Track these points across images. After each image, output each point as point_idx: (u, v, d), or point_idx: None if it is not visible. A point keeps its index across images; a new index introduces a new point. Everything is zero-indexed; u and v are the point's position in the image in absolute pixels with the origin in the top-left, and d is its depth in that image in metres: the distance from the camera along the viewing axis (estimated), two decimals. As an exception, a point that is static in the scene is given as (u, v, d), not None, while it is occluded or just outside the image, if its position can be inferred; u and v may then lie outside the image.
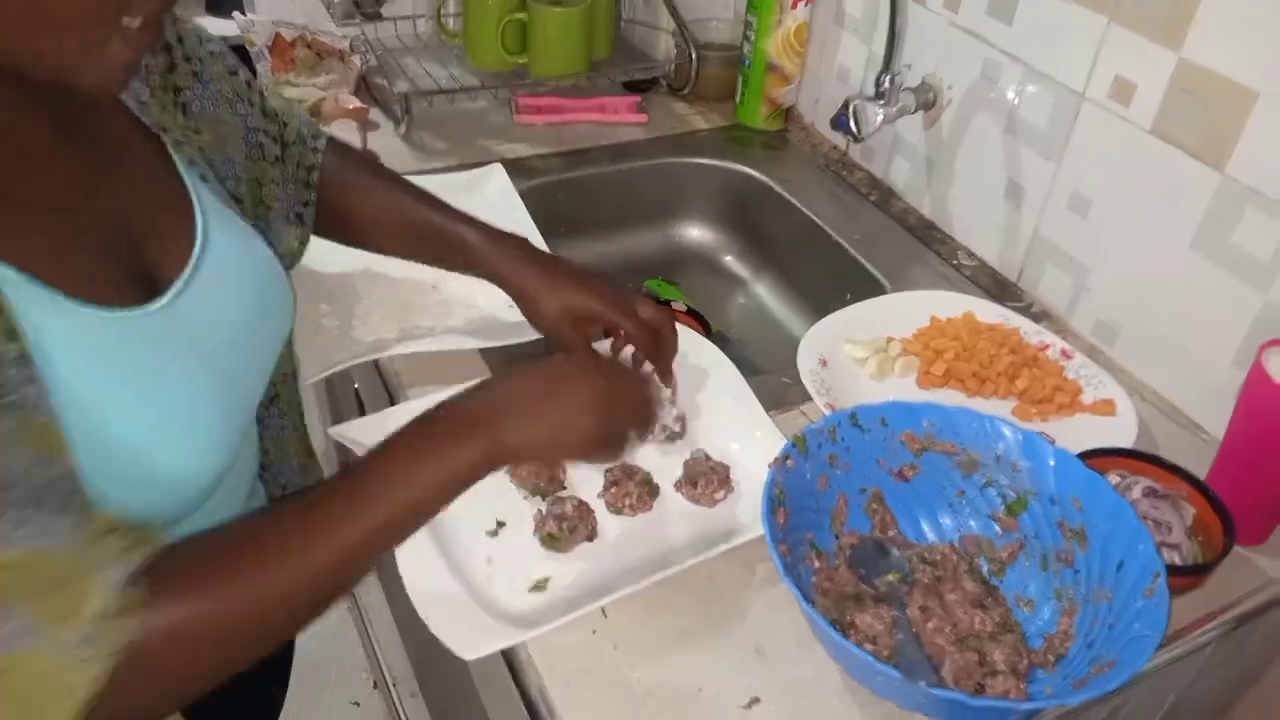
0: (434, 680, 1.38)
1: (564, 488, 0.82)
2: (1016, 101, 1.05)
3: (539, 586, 0.74)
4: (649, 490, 0.81)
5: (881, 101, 1.11)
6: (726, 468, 0.83)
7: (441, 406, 0.63)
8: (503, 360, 0.92)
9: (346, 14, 1.29)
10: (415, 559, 0.72)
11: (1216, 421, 0.91)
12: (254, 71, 1.34)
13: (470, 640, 0.67)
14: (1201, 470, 0.81)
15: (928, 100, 1.15)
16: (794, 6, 1.27)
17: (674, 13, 1.39)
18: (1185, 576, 0.74)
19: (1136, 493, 0.79)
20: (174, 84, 0.70)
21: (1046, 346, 0.98)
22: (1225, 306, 0.88)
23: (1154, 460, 0.81)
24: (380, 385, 0.96)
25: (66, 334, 0.54)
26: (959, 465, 0.76)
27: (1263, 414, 0.77)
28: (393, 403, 0.90)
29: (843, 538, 0.76)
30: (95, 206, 0.61)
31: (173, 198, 0.67)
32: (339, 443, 0.83)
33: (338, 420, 0.86)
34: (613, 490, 0.80)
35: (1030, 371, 0.95)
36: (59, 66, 0.51)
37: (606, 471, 0.82)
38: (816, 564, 0.75)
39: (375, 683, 1.66)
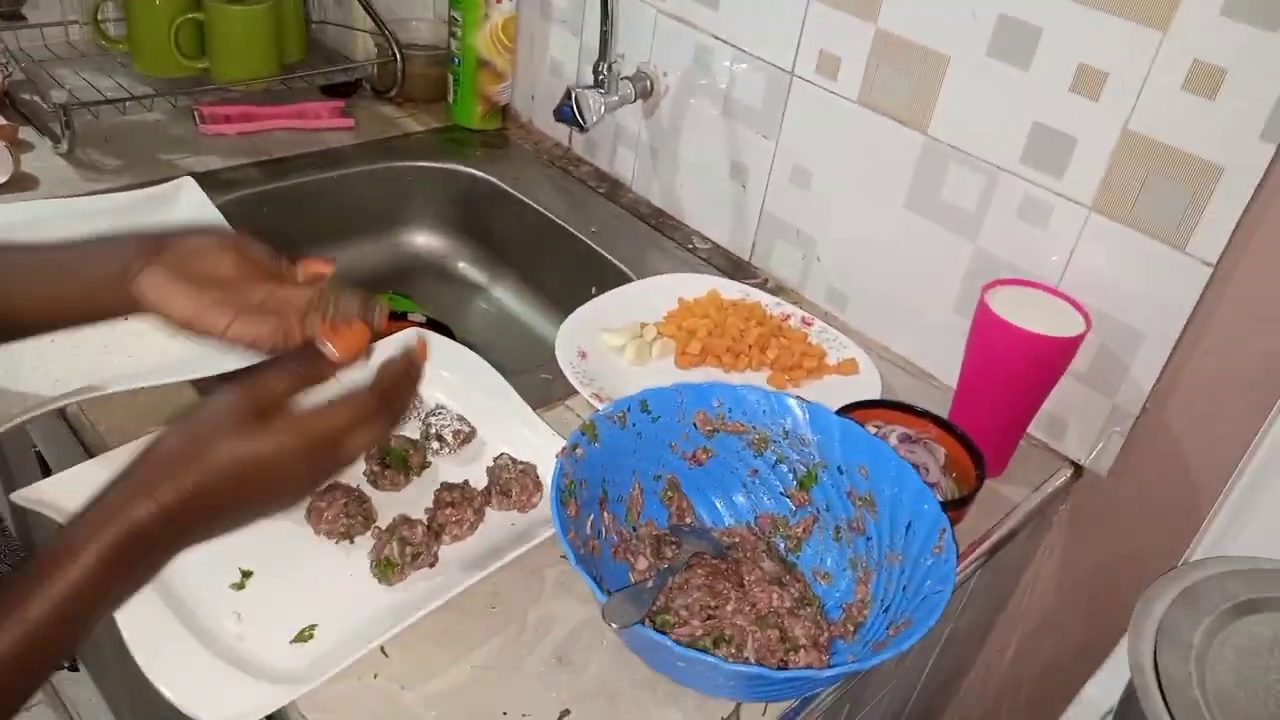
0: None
1: (375, 524, 0.72)
2: (730, 84, 1.07)
3: (303, 636, 0.64)
4: (480, 516, 0.74)
5: (602, 90, 1.10)
6: (535, 467, 0.77)
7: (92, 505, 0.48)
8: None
9: (-24, 15, 1.10)
10: (145, 630, 0.60)
11: (945, 369, 0.98)
12: None
13: (227, 710, 0.57)
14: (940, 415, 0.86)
15: (645, 88, 1.16)
16: (498, 0, 1.23)
17: (371, 12, 1.31)
18: (951, 510, 0.77)
19: (893, 440, 0.82)
20: None
21: (788, 316, 1.01)
22: (941, 259, 0.94)
23: (903, 408, 0.85)
24: (71, 439, 0.81)
25: None
26: (750, 444, 0.75)
27: (991, 348, 0.82)
28: (90, 456, 0.76)
29: (640, 529, 0.73)
30: None
31: None
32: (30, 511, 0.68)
33: (12, 488, 0.70)
34: (448, 512, 0.72)
35: (778, 341, 0.97)
36: None
37: (439, 491, 0.73)
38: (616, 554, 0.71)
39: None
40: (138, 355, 0.84)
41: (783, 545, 0.76)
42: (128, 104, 1.14)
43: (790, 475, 0.75)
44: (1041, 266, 0.87)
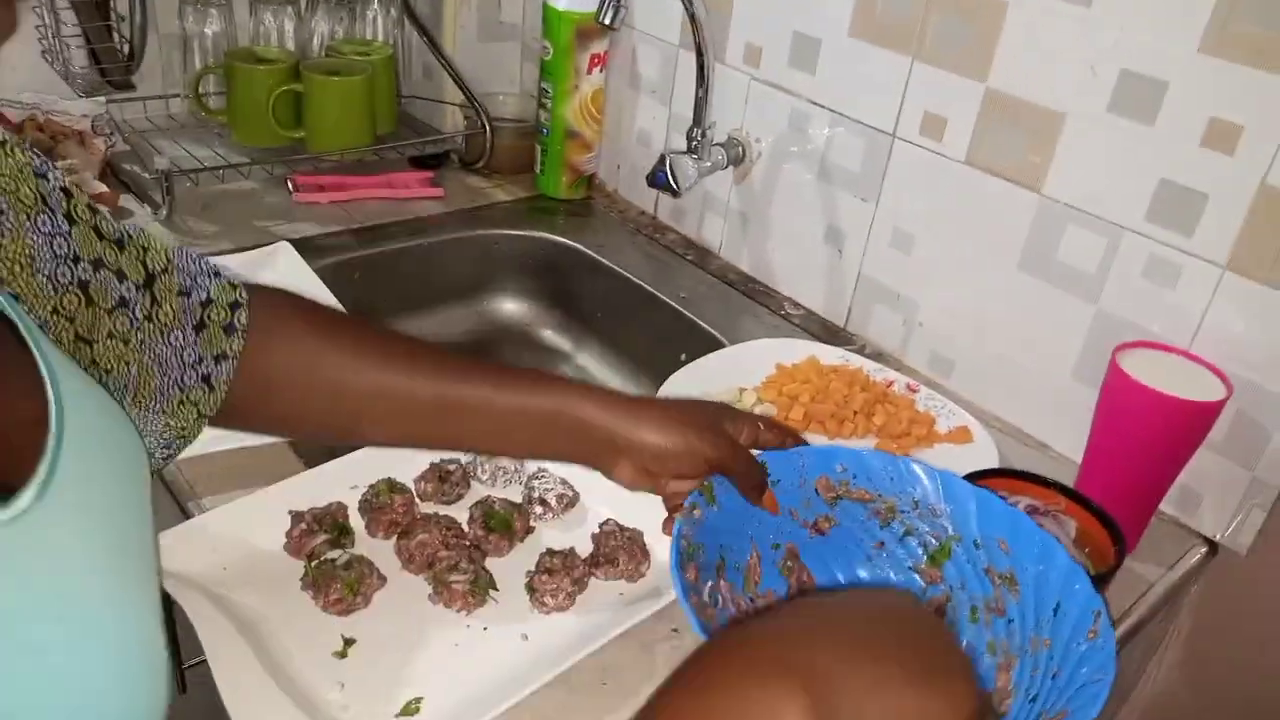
0: None
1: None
2: (827, 148, 1.06)
3: (410, 709, 0.60)
4: (581, 586, 0.70)
5: (695, 156, 1.09)
6: (641, 534, 0.74)
7: (742, 633, 0.41)
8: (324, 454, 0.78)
9: (91, 87, 1.13)
10: (247, 701, 0.57)
11: (1063, 439, 0.93)
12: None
13: (334, 789, 0.53)
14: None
15: (737, 155, 1.15)
16: (589, 71, 1.24)
17: (461, 85, 1.33)
18: (1091, 588, 0.72)
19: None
20: None
21: (891, 383, 0.97)
22: (1059, 322, 0.90)
23: (1028, 477, 0.80)
24: (167, 496, 0.79)
25: None
26: (876, 514, 0.70)
27: (1125, 413, 0.77)
28: (185, 516, 0.74)
29: (759, 600, 0.69)
30: None
31: None
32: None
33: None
34: (543, 579, 0.69)
35: (884, 407, 0.93)
36: None
37: (542, 556, 0.71)
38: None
39: None
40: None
41: None
42: (225, 172, 1.16)
43: (920, 549, 0.70)
44: (1171, 329, 0.83)
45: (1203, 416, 0.75)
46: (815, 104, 1.06)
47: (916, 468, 0.69)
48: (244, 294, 0.61)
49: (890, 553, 0.71)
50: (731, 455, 0.64)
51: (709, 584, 0.65)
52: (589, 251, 1.22)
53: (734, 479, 0.64)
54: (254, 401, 0.61)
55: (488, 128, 1.32)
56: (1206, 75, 0.76)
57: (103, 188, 1.13)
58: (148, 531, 0.50)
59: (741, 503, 0.68)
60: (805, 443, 0.70)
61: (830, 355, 1.00)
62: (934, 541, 0.69)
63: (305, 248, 1.09)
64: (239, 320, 0.60)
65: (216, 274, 0.60)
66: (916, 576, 0.70)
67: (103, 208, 0.56)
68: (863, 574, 0.72)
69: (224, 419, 0.61)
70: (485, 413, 0.62)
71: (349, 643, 0.64)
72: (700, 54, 1.05)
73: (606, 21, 0.94)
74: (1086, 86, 0.83)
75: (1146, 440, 0.77)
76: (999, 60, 0.88)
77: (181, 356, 0.58)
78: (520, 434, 0.63)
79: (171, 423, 0.59)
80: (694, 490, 0.65)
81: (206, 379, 0.59)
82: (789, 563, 0.71)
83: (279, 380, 0.61)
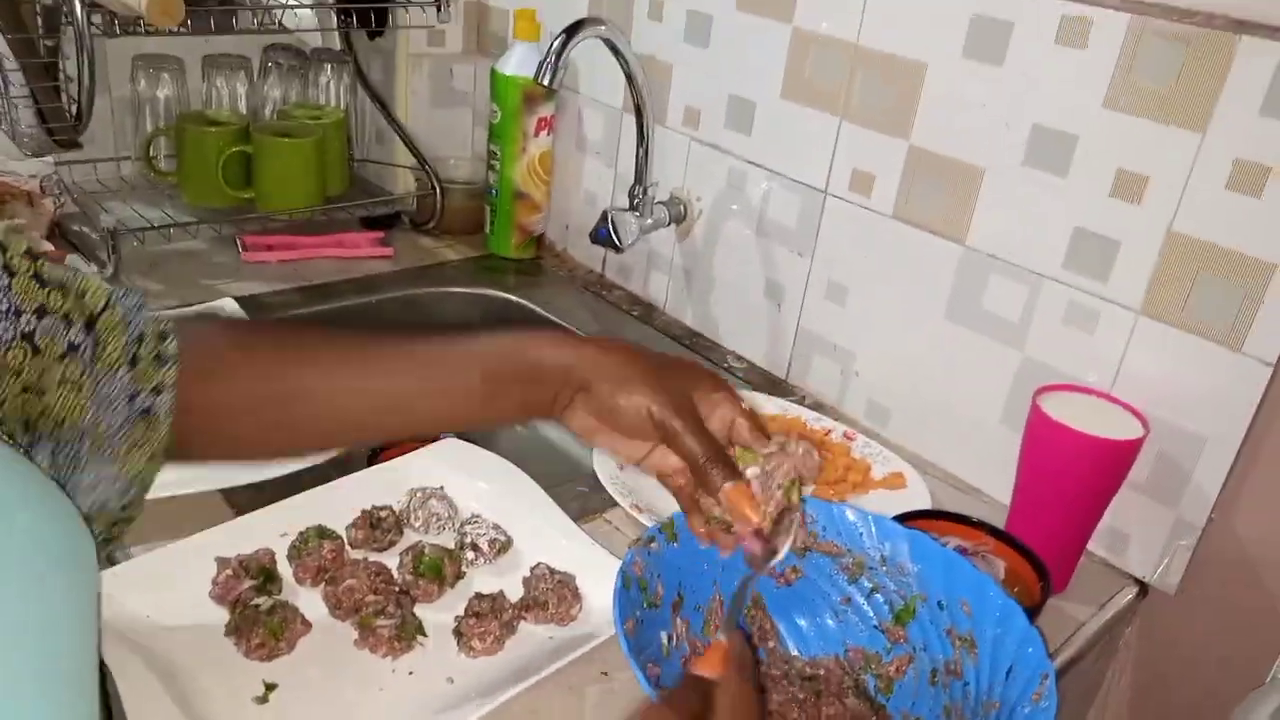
0: None
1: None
2: (764, 205, 1.09)
3: (329, 753, 0.60)
4: (510, 630, 0.70)
5: (637, 213, 1.12)
6: (573, 577, 0.74)
7: None
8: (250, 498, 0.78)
9: (38, 146, 1.14)
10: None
11: (994, 483, 0.94)
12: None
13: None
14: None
15: (679, 213, 1.18)
16: (536, 134, 1.28)
17: (413, 149, 1.35)
18: (1017, 625, 0.72)
19: (949, 553, 0.78)
20: None
21: (829, 431, 0.99)
22: (986, 369, 0.92)
23: (957, 518, 0.81)
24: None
25: None
26: (844, 569, 0.69)
27: (1047, 453, 0.79)
28: (110, 563, 0.73)
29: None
30: None
31: None
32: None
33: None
34: (471, 622, 0.68)
35: (821, 454, 0.93)
36: None
37: (471, 600, 0.71)
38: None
39: None
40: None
41: (873, 685, 0.69)
42: (173, 231, 1.17)
43: (886, 607, 0.69)
44: (1093, 373, 0.85)
45: (1121, 454, 0.77)
46: (752, 163, 1.09)
47: (891, 524, 0.68)
48: (170, 324, 0.58)
49: (857, 609, 0.70)
50: (683, 429, 0.57)
51: (662, 624, 0.64)
52: (537, 309, 1.24)
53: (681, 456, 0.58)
54: (202, 426, 0.58)
55: (438, 189, 1.35)
56: (1112, 129, 0.80)
57: (50, 247, 1.14)
58: (85, 650, 0.43)
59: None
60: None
61: (770, 405, 1.01)
62: (900, 600, 0.68)
63: (252, 305, 1.10)
64: (168, 349, 0.56)
65: (143, 306, 0.57)
66: (882, 635, 0.70)
67: (43, 252, 0.55)
68: (829, 624, 0.71)
69: (180, 453, 0.57)
70: (425, 366, 0.59)
71: (270, 688, 0.63)
72: (640, 114, 1.09)
73: (545, 82, 0.97)
74: (1002, 142, 0.86)
75: (1068, 479, 0.78)
76: (920, 119, 0.92)
77: (128, 396, 0.54)
78: (466, 389, 0.59)
79: (123, 469, 0.55)
80: (654, 524, 0.65)
81: (146, 413, 0.55)
82: (753, 611, 0.70)
83: (220, 396, 0.59)
